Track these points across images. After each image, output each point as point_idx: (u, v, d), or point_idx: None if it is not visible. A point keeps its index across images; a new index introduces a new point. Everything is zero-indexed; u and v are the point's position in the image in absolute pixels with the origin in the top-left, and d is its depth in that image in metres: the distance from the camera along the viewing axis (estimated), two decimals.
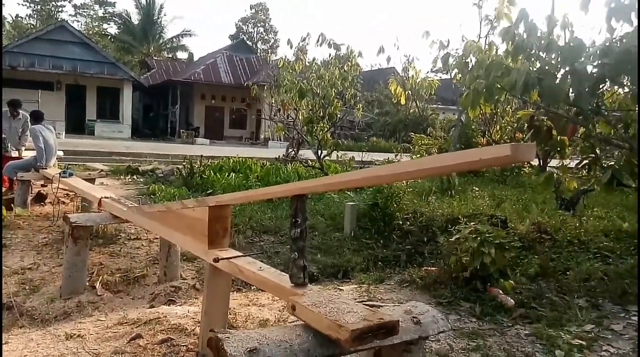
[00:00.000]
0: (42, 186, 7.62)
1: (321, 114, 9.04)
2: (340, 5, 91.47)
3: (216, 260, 2.54)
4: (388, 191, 6.08)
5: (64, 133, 20.45)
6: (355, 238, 5.84)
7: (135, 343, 2.77)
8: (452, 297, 3.88)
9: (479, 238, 3.94)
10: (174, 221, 3.10)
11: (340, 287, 4.16)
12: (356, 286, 4.19)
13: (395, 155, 11.06)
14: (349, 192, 7.03)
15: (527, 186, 10.11)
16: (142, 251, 5.15)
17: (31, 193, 6.89)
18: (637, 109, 4.21)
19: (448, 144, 12.06)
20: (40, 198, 7.13)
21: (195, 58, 39.69)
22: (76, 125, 24.09)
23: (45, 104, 19.40)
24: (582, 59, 3.95)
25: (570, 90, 4.20)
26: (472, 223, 4.36)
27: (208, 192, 8.55)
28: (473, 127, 14.36)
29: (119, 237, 5.49)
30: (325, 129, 8.97)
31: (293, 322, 3.11)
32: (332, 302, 1.92)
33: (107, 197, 4.41)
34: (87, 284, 4.11)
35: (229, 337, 1.75)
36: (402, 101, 10.49)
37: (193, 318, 3.17)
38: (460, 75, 6.93)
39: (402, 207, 6.31)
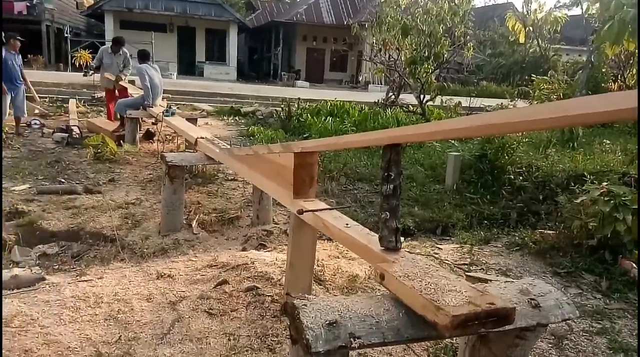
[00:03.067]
0: (153, 123, 8.01)
1: (426, 54, 8.30)
2: None
3: (300, 212, 2.32)
4: (499, 140, 5.43)
5: (176, 74, 21.53)
6: (457, 192, 5.35)
7: (221, 289, 2.71)
8: (573, 268, 3.35)
9: (612, 201, 3.30)
10: (261, 165, 2.93)
11: (438, 246, 3.81)
12: (457, 246, 3.80)
13: (510, 101, 9.98)
14: (452, 141, 6.44)
15: None
16: (238, 192, 5.17)
17: (140, 130, 7.25)
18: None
19: (573, 89, 10.61)
20: (149, 135, 7.49)
21: None
22: (187, 67, 25.19)
23: (158, 45, 20.46)
24: None
25: None
26: (603, 183, 3.68)
27: (304, 135, 8.43)
28: (603, 70, 12.48)
29: (217, 177, 5.57)
30: (430, 71, 8.25)
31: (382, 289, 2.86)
32: (429, 276, 1.60)
33: (203, 138, 4.39)
34: (185, 222, 4.19)
35: (306, 306, 1.53)
36: (522, 39, 9.35)
37: (280, 267, 3.05)
38: (597, 7, 5.84)
39: (514, 159, 5.63)
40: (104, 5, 22.91)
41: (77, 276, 2.84)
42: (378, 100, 11.26)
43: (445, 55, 8.35)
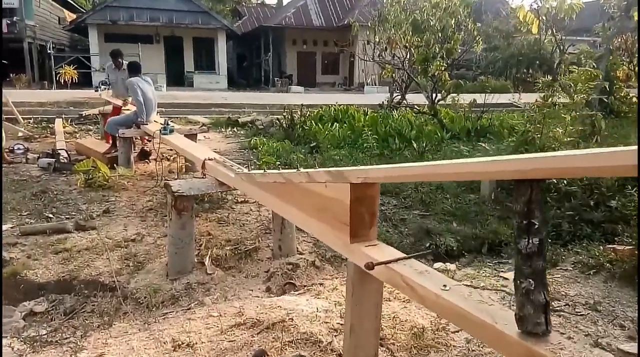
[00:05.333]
0: (147, 140, 7.38)
1: (436, 50, 7.74)
2: None
3: (370, 266, 1.72)
4: (540, 141, 4.87)
5: (165, 86, 20.84)
6: (496, 201, 4.79)
7: None
8: None
9: None
10: (295, 196, 2.33)
11: (503, 275, 3.22)
12: None
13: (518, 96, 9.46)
14: (483, 143, 5.87)
15: None
16: (252, 217, 4.56)
17: (134, 150, 6.62)
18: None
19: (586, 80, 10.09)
20: (144, 155, 6.86)
21: (285, 2, 38.55)
22: (176, 77, 24.49)
23: (146, 57, 19.78)
24: None
25: None
26: None
27: (311, 145, 7.84)
28: (610, 58, 12.05)
29: (226, 200, 4.96)
30: (442, 69, 7.70)
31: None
32: None
33: (211, 159, 3.78)
34: (196, 259, 3.58)
35: None
36: (534, 30, 8.79)
37: (326, 322, 2.45)
38: None
39: None
40: (87, 19, 22.23)
41: (72, 353, 2.22)
42: (382, 102, 10.70)
43: (458, 51, 7.79)
